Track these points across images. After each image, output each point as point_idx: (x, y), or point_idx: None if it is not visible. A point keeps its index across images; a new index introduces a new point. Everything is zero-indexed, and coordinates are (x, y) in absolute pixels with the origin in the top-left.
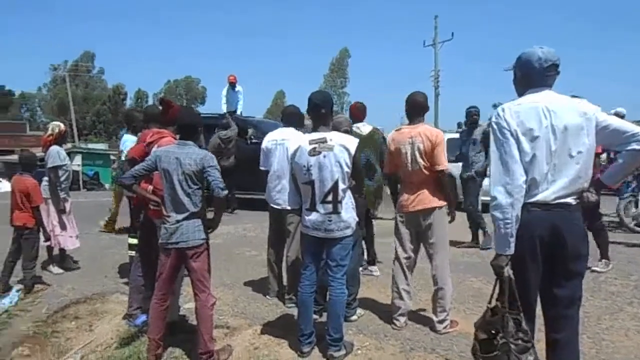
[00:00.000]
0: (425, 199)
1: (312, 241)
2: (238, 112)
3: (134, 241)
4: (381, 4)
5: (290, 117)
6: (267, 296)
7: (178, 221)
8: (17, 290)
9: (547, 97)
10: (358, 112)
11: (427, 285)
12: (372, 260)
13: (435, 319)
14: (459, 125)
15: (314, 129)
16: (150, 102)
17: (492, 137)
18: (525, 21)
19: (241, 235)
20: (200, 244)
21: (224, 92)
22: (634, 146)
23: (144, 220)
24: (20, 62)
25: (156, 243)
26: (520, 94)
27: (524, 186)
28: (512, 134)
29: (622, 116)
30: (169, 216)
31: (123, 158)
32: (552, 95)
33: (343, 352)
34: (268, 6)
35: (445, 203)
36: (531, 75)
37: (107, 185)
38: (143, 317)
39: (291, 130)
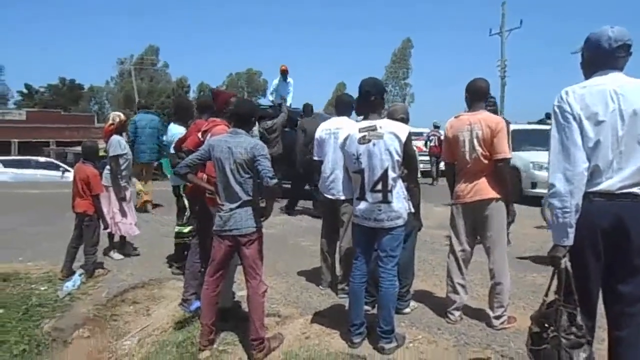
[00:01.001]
0: (483, 189)
1: (363, 231)
2: (287, 104)
3: (183, 229)
4: None
5: (344, 106)
6: (320, 286)
7: (231, 209)
8: (80, 275)
9: (616, 80)
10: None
11: (484, 280)
12: None
13: (491, 314)
14: (547, 116)
15: (365, 117)
16: None
17: (553, 121)
18: (600, 3)
19: (296, 225)
20: (253, 232)
21: (275, 81)
22: None
23: (200, 208)
24: (89, 56)
25: (211, 230)
26: (587, 76)
27: (586, 173)
28: (574, 118)
29: None
30: (222, 204)
31: (172, 150)
32: (622, 77)
33: (394, 344)
34: None
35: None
36: (599, 57)
37: (169, 175)
38: (197, 304)
39: (345, 119)
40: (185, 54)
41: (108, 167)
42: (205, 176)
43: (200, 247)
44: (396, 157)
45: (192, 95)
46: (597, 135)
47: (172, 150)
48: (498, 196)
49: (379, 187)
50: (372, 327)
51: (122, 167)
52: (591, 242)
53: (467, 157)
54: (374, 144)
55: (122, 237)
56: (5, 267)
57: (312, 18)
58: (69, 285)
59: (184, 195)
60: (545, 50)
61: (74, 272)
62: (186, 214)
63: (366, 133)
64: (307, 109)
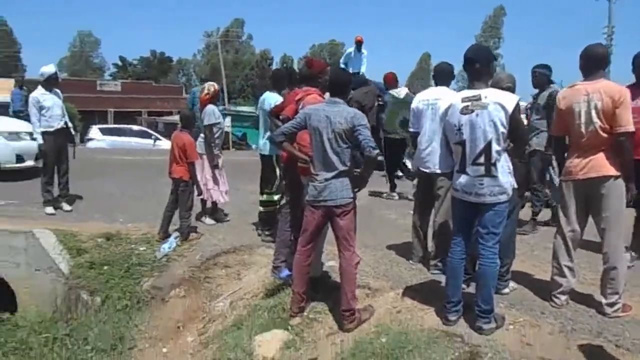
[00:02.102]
0: (599, 164)
1: (463, 205)
2: (361, 73)
3: (273, 197)
4: None
5: (444, 76)
6: (410, 261)
7: (327, 179)
8: (175, 238)
9: None
10: (392, 81)
11: (593, 264)
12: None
13: (604, 301)
14: None
15: (469, 86)
16: (296, 67)
17: None
18: None
19: (382, 197)
20: (349, 203)
21: (350, 50)
22: None
23: (292, 178)
24: (178, 30)
25: (303, 200)
26: None
27: None
28: None
29: None
30: (317, 174)
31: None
32: None
33: (493, 325)
34: None
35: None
36: None
37: (254, 146)
38: (287, 271)
39: (444, 89)
40: (269, 25)
41: (202, 135)
42: (296, 145)
43: (291, 216)
44: (501, 129)
45: (274, 66)
46: None
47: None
48: (617, 173)
49: (481, 159)
50: (468, 306)
51: (216, 136)
52: None
53: (583, 129)
54: (477, 115)
55: (214, 204)
56: (108, 227)
57: None
58: (165, 247)
59: (276, 164)
60: None
61: (170, 235)
62: (276, 182)
63: (469, 103)
64: (359, 79)
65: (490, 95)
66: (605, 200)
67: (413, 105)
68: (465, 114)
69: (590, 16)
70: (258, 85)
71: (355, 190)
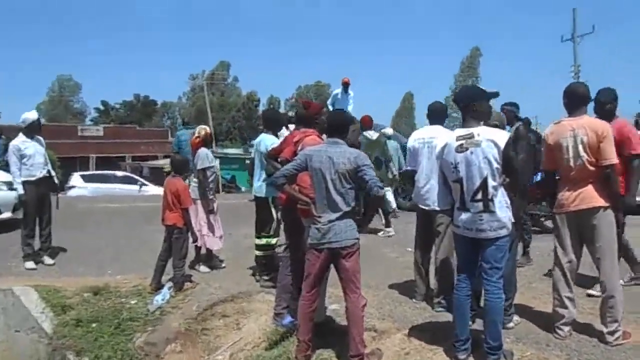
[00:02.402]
0: (589, 196)
1: (465, 242)
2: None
3: (270, 241)
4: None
5: (437, 114)
6: (414, 299)
7: (331, 221)
8: (169, 288)
9: None
10: (368, 122)
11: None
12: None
13: (604, 330)
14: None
15: (462, 125)
16: (282, 108)
17: None
18: None
19: (378, 235)
20: (354, 244)
21: (337, 91)
22: None
23: (292, 220)
24: (161, 73)
25: (304, 243)
26: None
27: None
28: None
29: None
30: (319, 216)
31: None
32: None
33: None
34: (395, 7)
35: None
36: None
37: (243, 188)
38: (290, 318)
39: (438, 127)
40: (254, 68)
41: (195, 179)
42: (296, 187)
43: (292, 260)
44: (495, 165)
45: (261, 108)
46: None
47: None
48: (606, 204)
49: (479, 196)
50: (476, 342)
51: (210, 180)
52: None
53: (572, 163)
54: (471, 152)
55: (209, 250)
56: (95, 280)
57: (380, 28)
58: (158, 298)
59: (273, 206)
60: (619, 54)
61: (163, 286)
62: (273, 225)
63: (463, 141)
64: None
65: (482, 132)
66: (597, 230)
67: (409, 144)
68: (460, 152)
69: (560, 56)
70: (245, 126)
71: (359, 229)
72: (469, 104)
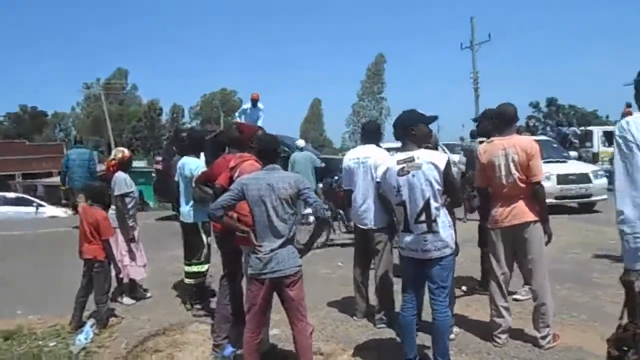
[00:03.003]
0: (521, 212)
1: (410, 263)
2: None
3: (201, 268)
4: (416, 9)
5: (371, 134)
6: (354, 317)
7: (273, 249)
8: (91, 326)
9: None
10: None
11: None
12: None
13: (538, 335)
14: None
15: (402, 148)
16: (187, 117)
17: (616, 150)
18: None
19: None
20: (297, 272)
21: (246, 106)
22: None
23: (229, 249)
24: (51, 83)
25: (241, 271)
26: None
27: None
28: (638, 147)
29: None
30: (260, 245)
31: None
32: None
33: None
34: (301, 14)
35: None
36: None
37: (151, 204)
38: (231, 348)
39: (372, 147)
40: (155, 75)
41: (113, 207)
42: (235, 215)
43: (230, 289)
44: (437, 187)
45: (164, 117)
46: None
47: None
48: (536, 218)
49: (423, 217)
50: (422, 358)
51: (130, 206)
52: None
53: (504, 181)
54: (413, 175)
55: (132, 280)
56: (4, 323)
57: (285, 35)
58: (81, 338)
59: (203, 231)
60: (515, 61)
61: (84, 324)
62: (203, 251)
63: (404, 165)
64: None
65: (422, 155)
66: (529, 243)
67: (344, 164)
68: (402, 175)
69: (460, 64)
70: (148, 137)
71: (300, 256)
72: (408, 127)
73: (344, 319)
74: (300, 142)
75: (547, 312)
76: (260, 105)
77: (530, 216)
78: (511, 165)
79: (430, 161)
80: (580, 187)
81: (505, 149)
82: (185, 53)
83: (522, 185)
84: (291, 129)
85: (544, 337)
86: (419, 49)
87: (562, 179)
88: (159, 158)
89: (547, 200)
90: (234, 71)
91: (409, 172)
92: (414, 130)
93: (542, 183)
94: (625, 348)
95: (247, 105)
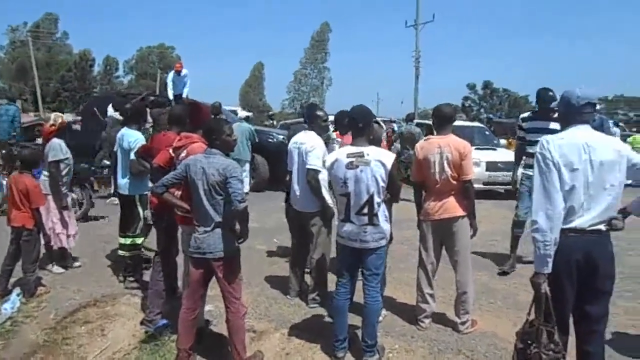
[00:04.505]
0: (451, 207)
1: (348, 251)
2: (184, 96)
3: (136, 240)
4: None
5: (312, 119)
6: (288, 296)
7: (206, 231)
8: (18, 295)
9: (586, 134)
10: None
11: (441, 283)
12: None
13: (458, 320)
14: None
15: (352, 142)
16: (121, 70)
17: (535, 166)
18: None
19: None
20: (228, 256)
21: (170, 77)
22: None
23: (166, 225)
24: None
25: (176, 248)
26: (563, 128)
27: (563, 213)
28: (554, 165)
29: None
30: (198, 225)
31: (133, 156)
32: (591, 132)
33: (377, 356)
34: None
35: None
36: (571, 113)
37: (119, 183)
38: (163, 321)
39: (310, 134)
40: (88, 24)
41: (45, 172)
42: (178, 193)
43: (164, 265)
44: (381, 184)
45: (96, 69)
46: (572, 181)
47: (132, 156)
48: (464, 213)
49: (365, 210)
50: (352, 340)
51: (63, 173)
52: (567, 271)
53: (437, 177)
54: (361, 170)
55: (62, 249)
56: None
57: None
58: (7, 307)
59: (140, 204)
60: (456, 43)
61: (10, 292)
62: (140, 223)
63: (354, 159)
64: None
65: (372, 152)
66: (456, 236)
67: (289, 146)
68: (350, 169)
69: (405, 40)
70: (77, 88)
71: (239, 241)
72: (362, 124)
73: (278, 297)
74: (243, 114)
75: (467, 300)
76: (184, 71)
77: (460, 211)
78: (445, 163)
79: (379, 159)
80: (507, 175)
81: (441, 148)
82: (122, 2)
83: (454, 182)
84: (232, 94)
85: (463, 323)
86: (366, 21)
87: (491, 166)
88: (78, 117)
89: (476, 186)
90: (174, 27)
91: (357, 167)
92: (366, 128)
93: (472, 168)
94: (530, 342)
95: (170, 75)
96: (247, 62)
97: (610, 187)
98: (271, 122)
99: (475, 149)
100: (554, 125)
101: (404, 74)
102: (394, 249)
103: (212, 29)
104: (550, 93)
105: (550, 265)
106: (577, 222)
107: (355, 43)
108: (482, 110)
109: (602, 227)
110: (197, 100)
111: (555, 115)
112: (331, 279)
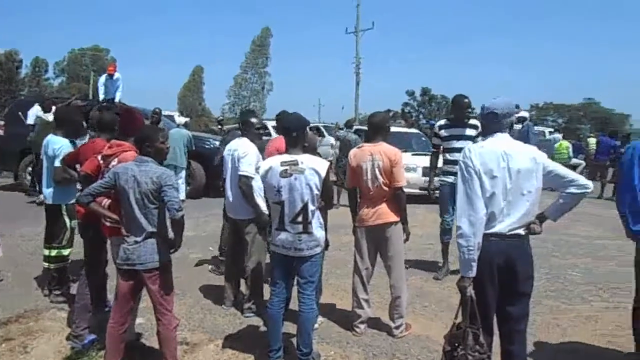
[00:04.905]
0: (384, 213)
1: (282, 259)
2: (116, 100)
3: (62, 252)
4: None
5: (247, 127)
6: (223, 306)
7: (136, 242)
8: None
9: (505, 142)
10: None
11: (377, 288)
12: None
13: (392, 325)
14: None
15: (286, 151)
16: (51, 72)
17: (459, 173)
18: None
19: None
20: (159, 266)
21: (102, 80)
22: (572, 190)
23: (93, 236)
24: None
25: (105, 260)
26: (484, 136)
27: (484, 218)
28: (476, 173)
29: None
30: (127, 236)
31: (57, 164)
32: (509, 140)
33: None
34: None
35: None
36: (491, 122)
37: (44, 192)
38: (91, 336)
39: (244, 140)
40: (15, 23)
41: None
42: (106, 202)
43: (90, 277)
44: (315, 192)
45: (24, 71)
46: (493, 188)
47: (57, 164)
48: (397, 219)
49: (300, 219)
50: (287, 348)
51: None
52: (489, 274)
53: (370, 184)
54: (295, 178)
55: None
56: None
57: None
58: None
59: (66, 214)
60: (395, 49)
61: None
62: (66, 234)
63: (288, 167)
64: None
65: (306, 161)
66: (390, 242)
67: (224, 153)
68: (284, 177)
69: (345, 47)
70: (2, 91)
71: (171, 251)
72: (296, 132)
73: (213, 308)
74: (181, 120)
75: (401, 304)
76: (117, 74)
77: (393, 217)
78: (377, 170)
79: (313, 167)
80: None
81: (372, 155)
82: (53, 1)
83: (386, 189)
84: (170, 98)
85: (397, 327)
86: (307, 27)
87: (427, 171)
88: (1, 122)
89: (412, 191)
90: (109, 29)
91: (291, 175)
92: (300, 136)
93: (409, 174)
94: (457, 344)
95: (102, 78)
96: (186, 66)
97: (527, 194)
98: (219, 127)
99: (412, 154)
100: (470, 132)
101: (345, 80)
102: (331, 255)
103: (149, 32)
104: (466, 100)
105: (474, 269)
106: (498, 227)
107: (297, 48)
108: (420, 116)
109: (522, 231)
110: (130, 106)
111: (471, 121)
112: (267, 287)
